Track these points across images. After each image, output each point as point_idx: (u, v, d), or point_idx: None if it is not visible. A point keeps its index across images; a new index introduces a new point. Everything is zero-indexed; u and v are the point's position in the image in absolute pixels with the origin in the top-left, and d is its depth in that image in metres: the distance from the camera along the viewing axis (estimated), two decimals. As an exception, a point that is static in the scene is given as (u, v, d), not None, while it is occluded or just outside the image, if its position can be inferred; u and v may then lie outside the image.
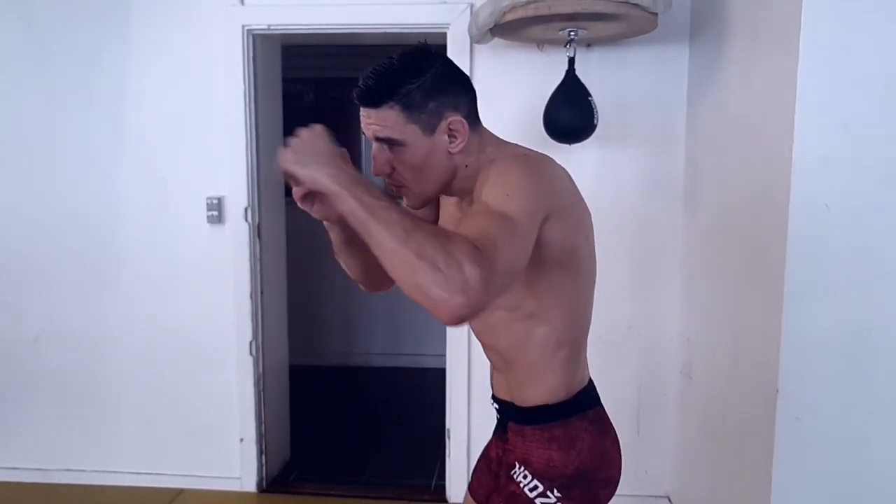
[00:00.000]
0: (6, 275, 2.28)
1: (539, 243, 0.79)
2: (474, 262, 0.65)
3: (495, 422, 1.06)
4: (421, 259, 0.65)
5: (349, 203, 0.69)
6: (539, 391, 0.94)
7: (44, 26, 2.16)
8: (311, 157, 0.73)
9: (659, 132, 2.03)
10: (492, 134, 0.92)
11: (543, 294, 0.88)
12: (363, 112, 0.83)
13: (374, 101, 0.81)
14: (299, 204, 0.83)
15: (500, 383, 1.01)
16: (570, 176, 0.91)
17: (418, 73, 0.82)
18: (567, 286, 0.91)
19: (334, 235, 0.93)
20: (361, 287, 1.03)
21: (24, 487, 2.29)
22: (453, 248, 0.66)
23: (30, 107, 2.21)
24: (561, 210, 0.84)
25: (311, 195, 0.81)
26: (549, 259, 0.84)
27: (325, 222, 0.89)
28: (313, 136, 0.76)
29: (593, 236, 0.96)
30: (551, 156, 0.93)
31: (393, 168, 0.85)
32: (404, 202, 0.92)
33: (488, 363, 1.05)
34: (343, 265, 0.99)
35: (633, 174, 2.05)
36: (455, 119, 0.84)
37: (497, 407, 1.03)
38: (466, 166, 0.88)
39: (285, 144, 0.76)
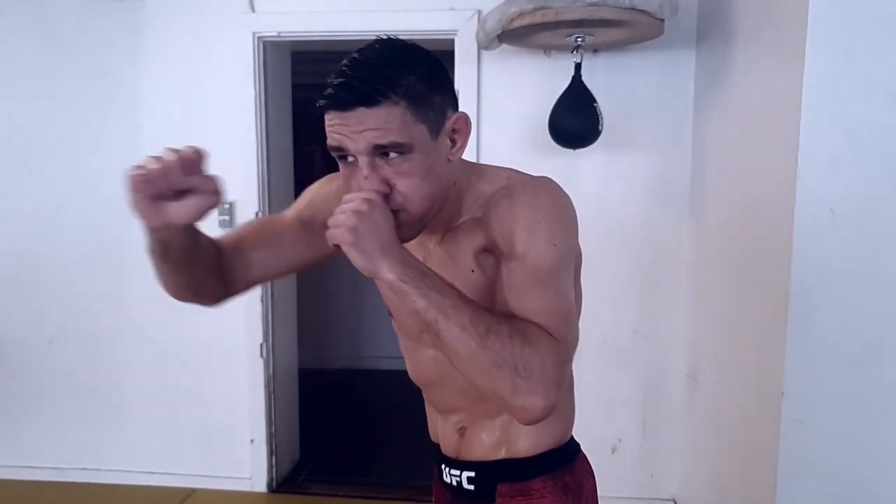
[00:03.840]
0: (22, 277, 2.33)
1: None
2: (555, 361, 0.61)
3: (451, 498, 0.87)
4: (499, 367, 0.59)
5: (417, 303, 0.61)
6: (550, 429, 0.79)
7: (59, 34, 2.21)
8: (372, 242, 0.62)
9: (665, 137, 2.04)
10: None
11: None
12: (350, 117, 0.64)
13: (372, 99, 0.63)
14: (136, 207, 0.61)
15: (482, 439, 0.82)
16: None
17: (414, 62, 0.66)
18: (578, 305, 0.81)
19: (154, 242, 0.66)
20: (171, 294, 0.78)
21: (39, 486, 2.33)
22: (532, 350, 0.60)
23: (45, 113, 2.25)
24: (578, 247, 0.77)
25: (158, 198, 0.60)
26: None
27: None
28: (373, 213, 0.62)
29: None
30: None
31: (390, 188, 0.67)
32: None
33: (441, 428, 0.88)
34: (156, 271, 0.73)
35: (639, 179, 2.05)
36: (460, 116, 0.70)
37: (471, 475, 0.83)
38: (455, 184, 0.74)
39: (337, 218, 0.65)
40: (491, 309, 0.68)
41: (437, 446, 0.92)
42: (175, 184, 0.60)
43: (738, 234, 1.63)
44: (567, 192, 0.78)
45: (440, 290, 0.62)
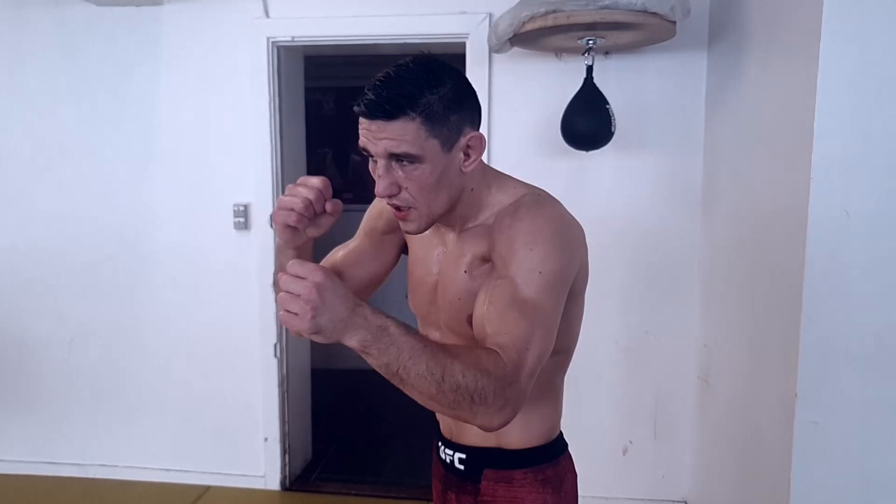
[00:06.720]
0: (44, 279, 2.38)
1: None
2: (508, 385, 0.68)
3: (444, 472, 0.95)
4: (458, 403, 0.67)
5: (379, 361, 0.67)
6: (538, 428, 0.88)
7: (78, 43, 2.25)
8: (332, 324, 0.63)
9: (677, 139, 2.03)
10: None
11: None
12: (373, 125, 0.74)
13: (391, 113, 0.72)
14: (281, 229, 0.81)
15: (474, 428, 0.86)
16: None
17: (438, 83, 0.74)
18: (572, 321, 0.88)
19: (287, 258, 0.83)
20: None
21: (60, 481, 2.39)
22: (487, 382, 0.67)
23: (67, 119, 2.30)
24: (581, 271, 0.83)
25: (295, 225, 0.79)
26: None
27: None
28: (326, 296, 0.62)
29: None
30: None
31: (400, 188, 0.77)
32: (405, 227, 0.83)
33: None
34: None
35: (651, 181, 2.05)
36: (475, 136, 0.79)
37: (462, 456, 0.92)
38: (472, 190, 0.83)
39: (288, 303, 0.63)
40: (470, 308, 0.79)
41: (437, 424, 1.00)
42: (312, 214, 0.80)
43: (750, 235, 1.62)
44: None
45: (398, 342, 0.66)
